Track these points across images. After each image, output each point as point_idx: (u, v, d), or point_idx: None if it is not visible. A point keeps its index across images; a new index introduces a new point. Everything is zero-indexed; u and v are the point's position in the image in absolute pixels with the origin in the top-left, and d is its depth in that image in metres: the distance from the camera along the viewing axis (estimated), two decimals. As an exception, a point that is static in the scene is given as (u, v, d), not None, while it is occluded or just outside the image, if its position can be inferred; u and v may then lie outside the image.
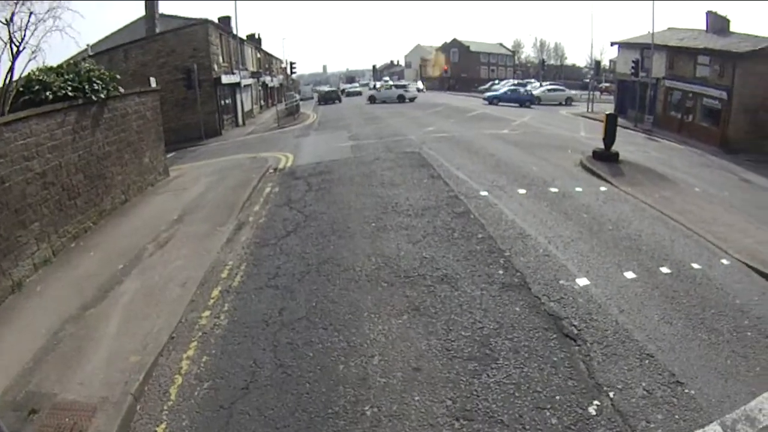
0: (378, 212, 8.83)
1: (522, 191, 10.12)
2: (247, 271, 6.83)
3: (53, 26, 8.70)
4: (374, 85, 65.49)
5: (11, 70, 8.10)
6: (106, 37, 30.65)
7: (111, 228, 9.02)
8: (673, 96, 29.59)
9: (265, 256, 7.30)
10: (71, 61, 10.13)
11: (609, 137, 13.76)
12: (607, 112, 15.11)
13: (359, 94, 60.09)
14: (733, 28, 29.80)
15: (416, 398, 4.17)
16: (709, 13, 30.27)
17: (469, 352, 4.78)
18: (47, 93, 8.33)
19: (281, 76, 58.69)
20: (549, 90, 45.55)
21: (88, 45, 29.14)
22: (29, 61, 8.62)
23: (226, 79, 29.64)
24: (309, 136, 21.67)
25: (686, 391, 4.40)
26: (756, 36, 27.35)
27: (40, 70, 9.03)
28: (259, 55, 47.51)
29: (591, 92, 38.25)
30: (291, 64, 40.08)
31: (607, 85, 51.40)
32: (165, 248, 7.72)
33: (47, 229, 7.57)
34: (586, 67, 77.76)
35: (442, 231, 7.84)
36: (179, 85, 25.60)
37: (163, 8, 30.15)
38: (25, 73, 8.73)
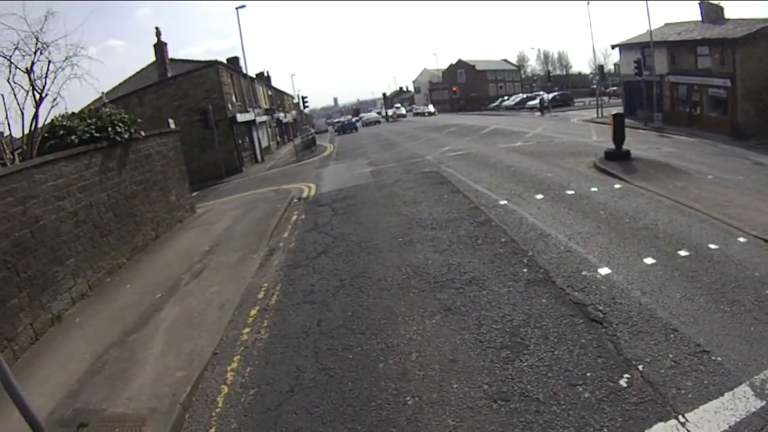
0: (403, 228, 9.10)
1: (540, 196, 10.34)
2: (283, 290, 7.04)
3: (72, 74, 9.15)
4: (386, 113, 67.87)
5: (36, 116, 8.52)
6: (120, 84, 31.48)
7: (145, 263, 9.32)
8: (678, 91, 29.59)
9: (299, 276, 7.53)
10: (92, 107, 10.59)
11: (618, 137, 13.94)
12: (614, 113, 15.26)
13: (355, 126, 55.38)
14: (728, 14, 29.73)
15: (455, 386, 4.27)
16: (702, 4, 30.41)
17: (501, 342, 4.89)
18: (72, 137, 8.75)
19: (294, 112, 60.79)
20: (557, 97, 51.08)
21: (102, 93, 30.13)
22: (51, 108, 9.08)
23: (241, 117, 30.27)
24: (329, 167, 22.11)
25: (713, 358, 4.46)
26: (750, 19, 27.24)
27: (63, 116, 9.50)
28: (270, 93, 48.83)
29: (599, 98, 38.60)
30: (303, 98, 40.98)
31: (615, 89, 52.33)
32: (200, 277, 7.96)
33: (83, 264, 7.87)
34: (591, 73, 78.18)
35: (466, 239, 8.05)
36: (196, 126, 26.27)
37: (173, 53, 30.97)
38: (49, 120, 9.21)
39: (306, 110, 47.53)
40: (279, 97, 54.47)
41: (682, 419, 3.78)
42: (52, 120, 9.28)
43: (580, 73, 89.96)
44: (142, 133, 11.02)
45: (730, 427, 3.72)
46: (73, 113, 9.71)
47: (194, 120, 26.41)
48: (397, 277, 6.82)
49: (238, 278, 7.62)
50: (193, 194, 21.17)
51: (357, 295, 6.40)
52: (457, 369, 4.51)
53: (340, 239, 9.05)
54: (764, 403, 3.97)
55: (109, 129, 9.51)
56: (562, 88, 66.95)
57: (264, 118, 39.33)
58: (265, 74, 52.09)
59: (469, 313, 5.54)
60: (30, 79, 8.43)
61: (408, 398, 4.18)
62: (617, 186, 11.03)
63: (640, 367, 4.34)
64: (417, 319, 5.52)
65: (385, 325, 5.50)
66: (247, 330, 5.93)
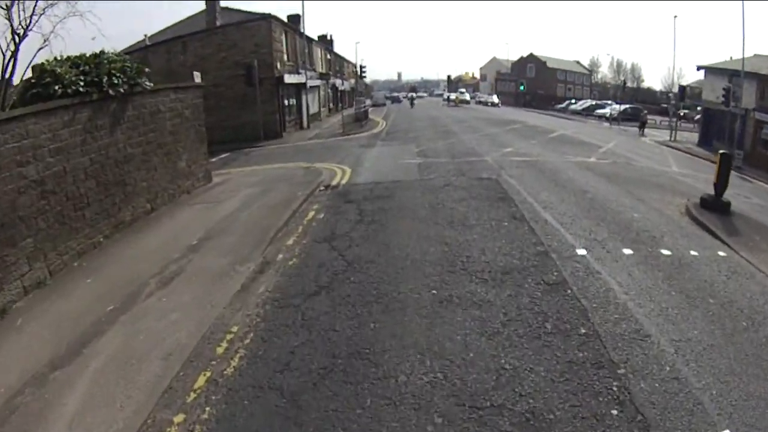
0: (443, 269, 6.70)
1: (628, 251, 7.66)
2: (251, 350, 4.92)
3: (71, 12, 7.60)
4: (448, 96, 66.75)
5: (13, 58, 7.06)
6: (166, 28, 30.26)
7: (123, 246, 7.85)
8: (763, 130, 26.15)
9: (281, 326, 5.37)
10: (96, 52, 8.97)
11: (722, 183, 10.89)
12: (721, 152, 12.09)
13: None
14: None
15: None
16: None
17: None
18: (56, 87, 7.26)
19: (353, 80, 58.31)
20: (627, 110, 45.98)
21: (146, 35, 28.96)
22: (39, 49, 7.59)
23: (289, 78, 28.45)
24: (374, 148, 20.18)
25: None
26: None
27: (55, 59, 8.04)
28: (329, 57, 46.63)
29: (675, 120, 34.73)
30: (361, 67, 38.77)
31: (686, 111, 47.57)
32: (168, 288, 6.26)
33: (44, 245, 6.49)
34: (661, 91, 74.39)
35: (530, 317, 5.49)
36: (239, 81, 24.74)
37: (229, 3, 29.20)
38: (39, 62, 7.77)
39: (367, 81, 45.44)
40: (339, 63, 52.20)
41: None
42: (42, 64, 7.83)
43: (649, 89, 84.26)
44: (149, 85, 9.39)
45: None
46: (68, 57, 8.20)
47: (238, 74, 24.86)
48: (415, 376, 4.42)
49: (207, 306, 5.77)
50: (223, 155, 19.80)
51: (347, 400, 4.15)
52: None
53: (355, 267, 6.88)
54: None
55: (104, 80, 7.96)
56: (631, 101, 62.25)
57: (317, 82, 37.14)
58: (328, 37, 49.12)
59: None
60: (9, 15, 6.93)
61: None
62: (721, 254, 8.08)
63: None
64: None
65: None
66: (181, 417, 3.99)
